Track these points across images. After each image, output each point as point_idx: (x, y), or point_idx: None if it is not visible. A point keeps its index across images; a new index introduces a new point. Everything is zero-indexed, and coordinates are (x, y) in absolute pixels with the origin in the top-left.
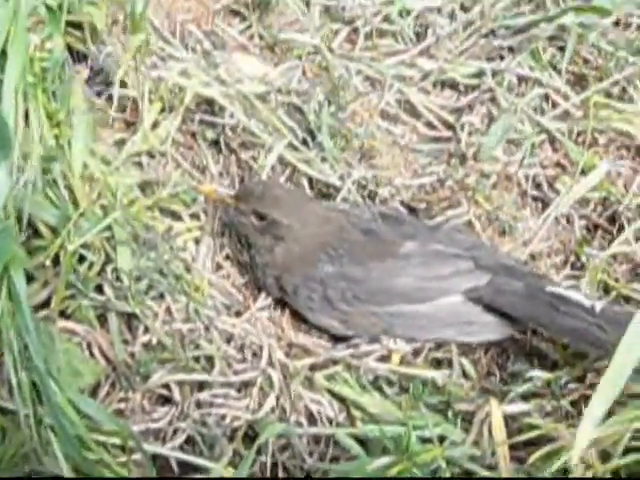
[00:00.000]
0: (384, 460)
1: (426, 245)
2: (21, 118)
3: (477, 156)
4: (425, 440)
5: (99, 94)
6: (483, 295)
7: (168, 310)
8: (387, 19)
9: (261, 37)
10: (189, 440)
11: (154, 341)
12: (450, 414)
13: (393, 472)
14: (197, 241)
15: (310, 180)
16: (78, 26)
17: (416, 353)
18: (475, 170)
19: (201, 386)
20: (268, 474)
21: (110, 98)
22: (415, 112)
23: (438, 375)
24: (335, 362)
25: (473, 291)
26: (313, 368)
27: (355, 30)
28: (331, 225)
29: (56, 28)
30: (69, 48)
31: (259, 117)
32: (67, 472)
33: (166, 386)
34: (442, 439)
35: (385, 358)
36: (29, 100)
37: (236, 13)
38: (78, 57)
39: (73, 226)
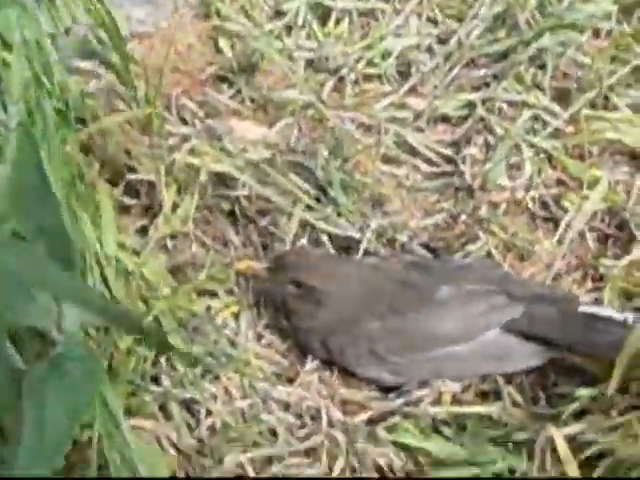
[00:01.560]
0: None
1: (460, 287)
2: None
3: (484, 186)
4: (496, 475)
5: (111, 184)
6: (520, 326)
7: (226, 390)
8: (370, 63)
9: (252, 100)
10: None
11: (218, 423)
12: (511, 445)
13: None
14: (236, 316)
15: (329, 236)
16: (81, 121)
17: (465, 390)
18: (484, 201)
19: (270, 459)
20: None
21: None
22: (414, 151)
23: (492, 409)
24: (391, 412)
25: (510, 323)
26: (372, 422)
27: (341, 79)
28: (367, 283)
29: (71, 131)
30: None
31: (271, 182)
32: None
33: (239, 465)
34: (511, 471)
35: (437, 400)
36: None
37: (223, 79)
38: (86, 152)
39: None
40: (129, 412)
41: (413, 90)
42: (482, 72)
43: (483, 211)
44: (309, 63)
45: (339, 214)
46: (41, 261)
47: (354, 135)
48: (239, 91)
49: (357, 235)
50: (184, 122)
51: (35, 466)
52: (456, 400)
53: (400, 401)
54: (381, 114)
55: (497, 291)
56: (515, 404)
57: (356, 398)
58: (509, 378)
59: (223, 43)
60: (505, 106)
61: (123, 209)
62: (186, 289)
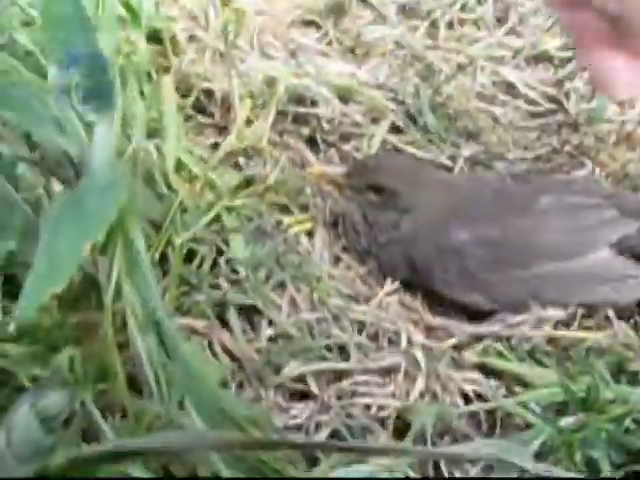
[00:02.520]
0: (570, 420)
1: (563, 198)
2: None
3: (590, 121)
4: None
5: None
6: (635, 244)
7: (292, 300)
8: (465, 8)
9: (340, 42)
10: (334, 434)
11: (280, 334)
12: (623, 377)
13: (582, 434)
14: (310, 234)
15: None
16: (156, 40)
17: (568, 322)
18: (591, 134)
19: (339, 376)
20: (431, 464)
21: (196, 107)
22: (512, 91)
23: (601, 337)
24: (481, 338)
25: (623, 241)
26: (459, 347)
27: (434, 24)
28: (458, 190)
29: (138, 25)
30: (151, 61)
31: (356, 105)
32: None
33: (301, 380)
34: (625, 401)
35: (537, 327)
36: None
37: (310, 23)
38: (160, 71)
39: (179, 219)
40: (178, 311)
41: (512, 31)
42: None
43: (590, 141)
44: (401, 8)
45: (429, 141)
46: None
47: (448, 73)
48: (326, 34)
49: (449, 163)
50: (266, 57)
51: (39, 292)
52: (559, 329)
53: (494, 327)
54: (478, 53)
55: (606, 204)
56: (627, 336)
57: (441, 324)
58: (621, 313)
59: None
60: None
61: (197, 130)
62: (252, 193)
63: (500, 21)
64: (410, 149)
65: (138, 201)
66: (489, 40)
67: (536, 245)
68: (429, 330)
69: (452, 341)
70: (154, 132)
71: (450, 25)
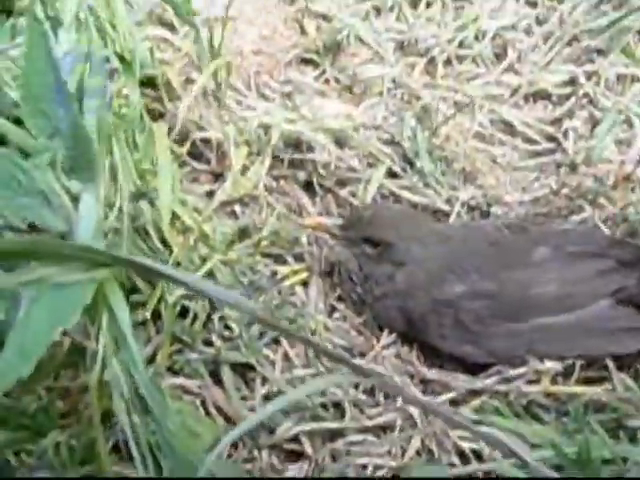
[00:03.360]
0: None
1: (560, 248)
2: (107, 157)
3: (588, 161)
4: (605, 462)
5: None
6: (633, 295)
7: (286, 356)
8: (463, 44)
9: (337, 80)
10: None
11: (274, 391)
12: (622, 433)
13: None
14: (305, 284)
15: (415, 208)
16: (152, 85)
17: (566, 374)
18: (589, 175)
19: (333, 436)
20: None
21: (191, 154)
22: (510, 130)
23: (600, 392)
24: (478, 392)
25: (621, 292)
26: (455, 403)
27: (432, 61)
28: (453, 242)
29: (131, 76)
30: (145, 108)
31: (352, 150)
32: None
33: (294, 440)
34: (624, 460)
35: (534, 382)
36: (113, 143)
37: (308, 61)
38: (155, 117)
39: None
40: (170, 371)
41: (510, 69)
42: (585, 44)
43: (588, 183)
44: (399, 45)
45: (426, 185)
46: None
47: (445, 112)
48: (324, 72)
49: (446, 207)
50: (264, 98)
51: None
52: (556, 383)
53: (490, 380)
54: (475, 91)
55: (605, 254)
56: (627, 389)
57: (437, 377)
58: (620, 363)
59: (308, 24)
60: (614, 78)
61: (192, 177)
62: (247, 246)
63: (498, 57)
64: (406, 194)
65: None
66: (487, 78)
67: (533, 298)
68: (425, 384)
69: (449, 395)
70: (148, 183)
71: (448, 62)
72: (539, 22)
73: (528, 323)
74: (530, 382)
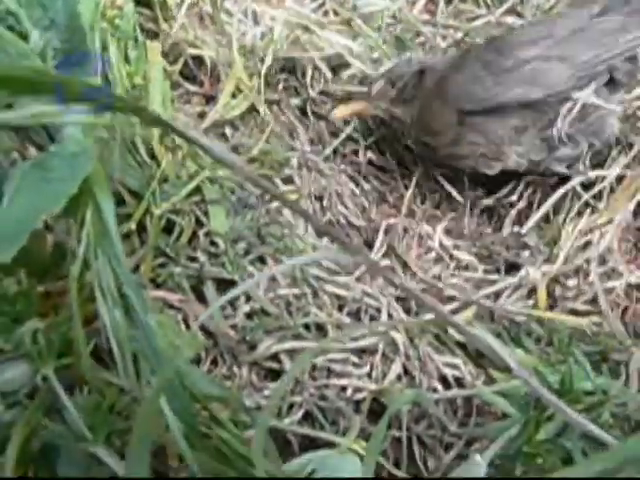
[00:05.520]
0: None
1: None
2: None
3: None
4: (586, 393)
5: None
6: None
7: (271, 275)
8: None
9: (336, 13)
10: (307, 416)
11: (257, 310)
12: (605, 367)
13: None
14: None
15: None
16: (147, 5)
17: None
18: None
19: (314, 355)
20: (404, 449)
21: (184, 75)
22: None
23: (586, 323)
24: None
25: None
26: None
27: None
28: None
29: None
30: (140, 27)
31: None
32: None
33: (275, 358)
34: (604, 392)
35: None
36: (105, 49)
37: None
38: (149, 36)
39: (159, 189)
40: (153, 283)
41: (512, 10)
42: None
43: None
44: None
45: None
46: None
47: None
48: (323, 4)
49: None
50: (258, 24)
51: None
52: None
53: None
54: (477, 32)
55: None
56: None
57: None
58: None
59: None
60: None
61: (184, 98)
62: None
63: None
64: None
65: (115, 169)
66: (488, 18)
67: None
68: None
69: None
70: (138, 99)
71: (449, 1)
72: None
73: None
74: (520, 299)
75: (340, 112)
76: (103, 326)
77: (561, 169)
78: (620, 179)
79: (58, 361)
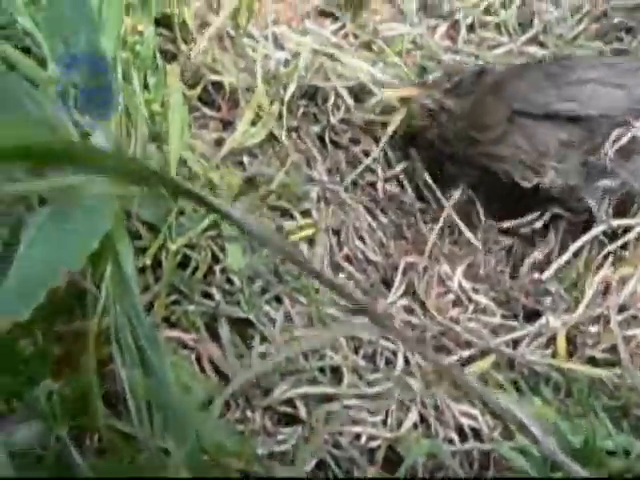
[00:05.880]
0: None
1: None
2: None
3: None
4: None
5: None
6: None
7: (287, 315)
8: (488, 11)
9: (356, 36)
10: (321, 464)
11: (272, 351)
12: (626, 424)
13: None
14: (311, 241)
15: None
16: (167, 26)
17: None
18: None
19: (329, 401)
20: None
21: (204, 99)
22: None
23: (605, 374)
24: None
25: None
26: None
27: (454, 25)
28: None
29: (147, 11)
30: (159, 49)
31: (369, 105)
32: None
33: (289, 403)
34: (626, 452)
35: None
36: (127, 78)
37: (327, 14)
38: (168, 58)
39: (175, 223)
40: (167, 322)
41: (534, 40)
42: (614, 21)
43: None
44: (422, 5)
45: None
46: None
47: None
48: (343, 26)
49: None
50: (280, 48)
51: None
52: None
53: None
54: (496, 60)
55: None
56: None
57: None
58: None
59: None
60: None
61: (202, 123)
62: (253, 198)
63: (523, 27)
64: None
65: (132, 203)
66: (510, 46)
67: None
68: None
69: (454, 357)
70: (158, 125)
71: (471, 27)
72: None
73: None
74: (539, 347)
75: (391, 93)
76: (117, 375)
77: (595, 198)
78: None
79: (73, 421)
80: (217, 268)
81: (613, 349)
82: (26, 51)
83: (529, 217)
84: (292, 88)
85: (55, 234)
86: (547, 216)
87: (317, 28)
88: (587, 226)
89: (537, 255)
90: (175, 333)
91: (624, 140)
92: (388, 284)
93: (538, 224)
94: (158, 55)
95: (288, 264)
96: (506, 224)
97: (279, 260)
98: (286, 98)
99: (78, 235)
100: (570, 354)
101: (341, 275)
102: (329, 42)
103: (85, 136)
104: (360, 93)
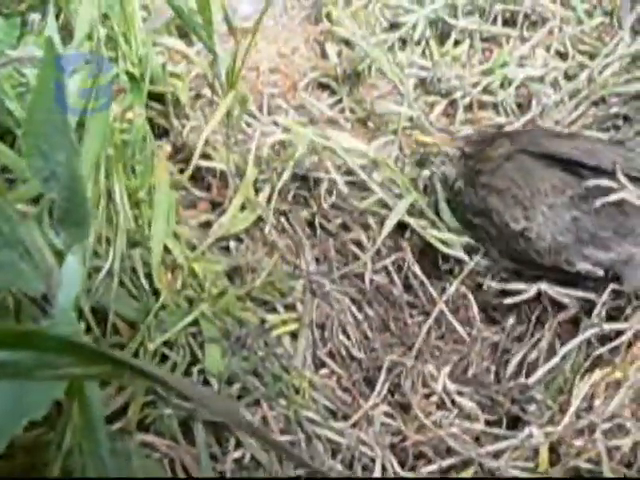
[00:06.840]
0: None
1: None
2: (103, 197)
3: None
4: None
5: (181, 172)
6: None
7: (264, 419)
8: (487, 90)
9: (352, 111)
10: None
11: (247, 457)
12: None
13: None
14: (294, 335)
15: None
16: (160, 100)
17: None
18: None
19: None
20: None
21: (194, 177)
22: None
23: None
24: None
25: None
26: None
27: (452, 103)
28: None
29: (138, 97)
30: (150, 122)
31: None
32: None
33: None
34: None
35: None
36: (110, 177)
37: (325, 87)
38: (159, 132)
39: (154, 320)
40: (141, 424)
41: (531, 123)
42: (613, 110)
43: None
44: (420, 82)
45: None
46: None
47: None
48: (340, 101)
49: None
50: (275, 124)
51: None
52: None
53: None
54: None
55: None
56: None
57: (425, 440)
58: None
59: (330, 48)
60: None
61: (190, 203)
62: (237, 293)
63: (521, 108)
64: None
65: (111, 300)
66: (507, 128)
67: None
68: (415, 446)
69: (432, 467)
70: (142, 215)
71: (469, 107)
72: (567, 77)
73: None
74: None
75: (421, 138)
76: None
77: (586, 267)
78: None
79: None
80: (195, 369)
81: (597, 462)
82: (6, 131)
83: (512, 321)
84: (285, 176)
85: (16, 389)
86: (535, 289)
87: (314, 101)
88: (577, 321)
89: (525, 353)
90: (149, 438)
91: (613, 197)
92: (371, 382)
93: (527, 295)
94: (148, 136)
95: (267, 360)
96: (493, 336)
97: (259, 356)
98: (278, 186)
99: (40, 388)
100: (552, 464)
101: (323, 371)
102: (325, 117)
103: (59, 255)
104: (355, 180)
